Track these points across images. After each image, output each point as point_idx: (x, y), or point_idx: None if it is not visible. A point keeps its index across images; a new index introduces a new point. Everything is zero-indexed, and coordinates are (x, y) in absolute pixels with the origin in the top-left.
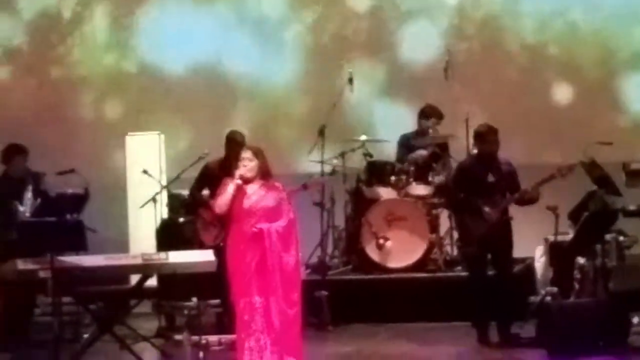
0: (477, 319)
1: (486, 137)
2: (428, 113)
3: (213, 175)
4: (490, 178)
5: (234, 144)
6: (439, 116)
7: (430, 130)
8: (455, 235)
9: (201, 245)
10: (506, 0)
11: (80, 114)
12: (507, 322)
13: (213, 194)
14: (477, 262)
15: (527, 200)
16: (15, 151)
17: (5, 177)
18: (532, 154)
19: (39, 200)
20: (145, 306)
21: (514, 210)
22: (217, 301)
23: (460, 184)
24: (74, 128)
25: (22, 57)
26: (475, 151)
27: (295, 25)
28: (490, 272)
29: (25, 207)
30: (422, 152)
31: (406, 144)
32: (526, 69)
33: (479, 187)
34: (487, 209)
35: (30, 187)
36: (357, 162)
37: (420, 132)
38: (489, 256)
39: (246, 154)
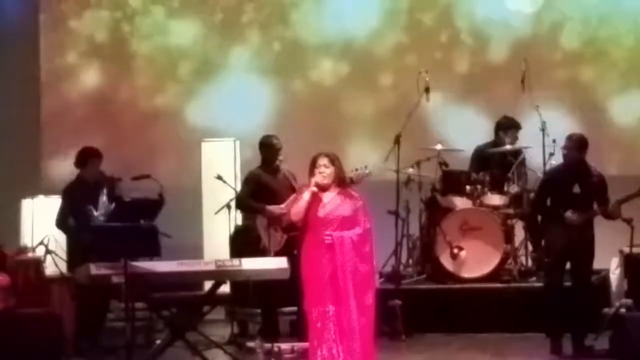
0: (551, 330)
1: (571, 144)
2: (506, 125)
3: (260, 181)
4: (576, 189)
5: (270, 148)
6: (516, 127)
7: (508, 141)
8: (530, 246)
9: (276, 253)
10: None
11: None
12: (581, 333)
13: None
14: (554, 272)
15: (607, 216)
16: (89, 154)
17: (80, 181)
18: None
19: (113, 205)
20: (218, 313)
21: None
22: (290, 309)
23: (544, 192)
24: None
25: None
26: (553, 162)
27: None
28: (566, 283)
29: (100, 212)
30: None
31: (479, 158)
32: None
33: (564, 197)
34: (568, 213)
35: (104, 192)
36: (432, 171)
37: (496, 144)
38: (568, 266)
39: (322, 161)
